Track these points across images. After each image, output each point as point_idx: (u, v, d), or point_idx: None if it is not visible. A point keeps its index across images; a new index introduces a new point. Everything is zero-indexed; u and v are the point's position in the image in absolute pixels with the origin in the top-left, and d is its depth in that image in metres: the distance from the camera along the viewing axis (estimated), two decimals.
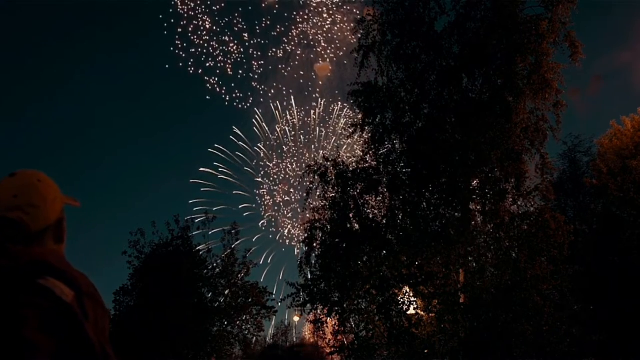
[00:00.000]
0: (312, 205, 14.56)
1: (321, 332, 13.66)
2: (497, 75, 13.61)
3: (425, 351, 12.99)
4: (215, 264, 21.34)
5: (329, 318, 13.68)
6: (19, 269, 1.49)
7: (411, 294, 13.11)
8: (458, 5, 14.05)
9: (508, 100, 13.26)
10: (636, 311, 16.32)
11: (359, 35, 14.89)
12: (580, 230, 14.95)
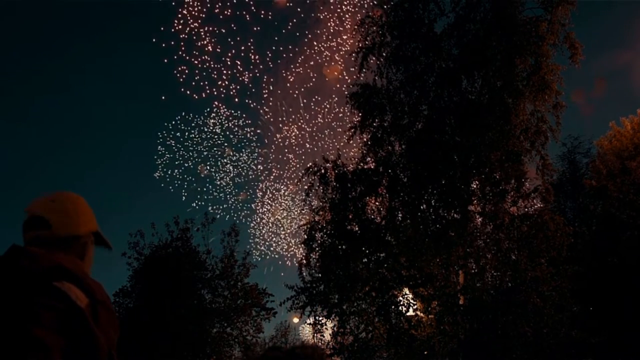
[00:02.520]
0: (306, 209, 14.57)
1: (319, 334, 13.65)
2: (496, 77, 13.61)
3: (425, 352, 12.97)
4: (214, 265, 21.33)
5: (328, 320, 13.67)
6: (38, 270, 1.55)
7: (411, 296, 13.10)
8: (457, 6, 14.06)
9: (507, 102, 13.27)
10: (636, 312, 16.32)
11: (359, 37, 14.92)
12: (579, 232, 14.95)
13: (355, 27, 15.20)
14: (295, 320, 31.01)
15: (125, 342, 18.13)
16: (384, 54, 14.54)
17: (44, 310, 1.46)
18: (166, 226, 21.27)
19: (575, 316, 12.96)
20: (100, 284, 1.69)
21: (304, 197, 14.61)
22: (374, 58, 14.61)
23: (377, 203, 14.28)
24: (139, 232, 21.05)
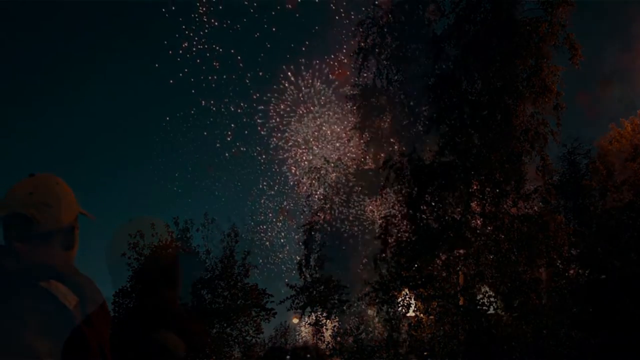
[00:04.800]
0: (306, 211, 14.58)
1: (319, 335, 13.67)
2: (496, 78, 13.60)
3: (425, 353, 12.97)
4: (214, 266, 21.30)
5: (328, 320, 13.67)
6: (24, 270, 1.50)
7: (411, 297, 13.10)
8: (457, 7, 14.06)
9: (507, 103, 13.26)
10: (636, 313, 16.30)
11: (358, 38, 14.90)
12: (579, 232, 14.94)
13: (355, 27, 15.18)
14: (295, 320, 30.97)
15: (125, 342, 18.11)
16: (384, 55, 14.52)
17: (34, 314, 1.41)
18: (166, 227, 21.26)
19: (575, 317, 12.95)
20: (91, 280, 1.61)
21: (304, 202, 14.64)
22: (369, 57, 14.58)
23: (377, 204, 14.29)
24: (139, 232, 21.02)
